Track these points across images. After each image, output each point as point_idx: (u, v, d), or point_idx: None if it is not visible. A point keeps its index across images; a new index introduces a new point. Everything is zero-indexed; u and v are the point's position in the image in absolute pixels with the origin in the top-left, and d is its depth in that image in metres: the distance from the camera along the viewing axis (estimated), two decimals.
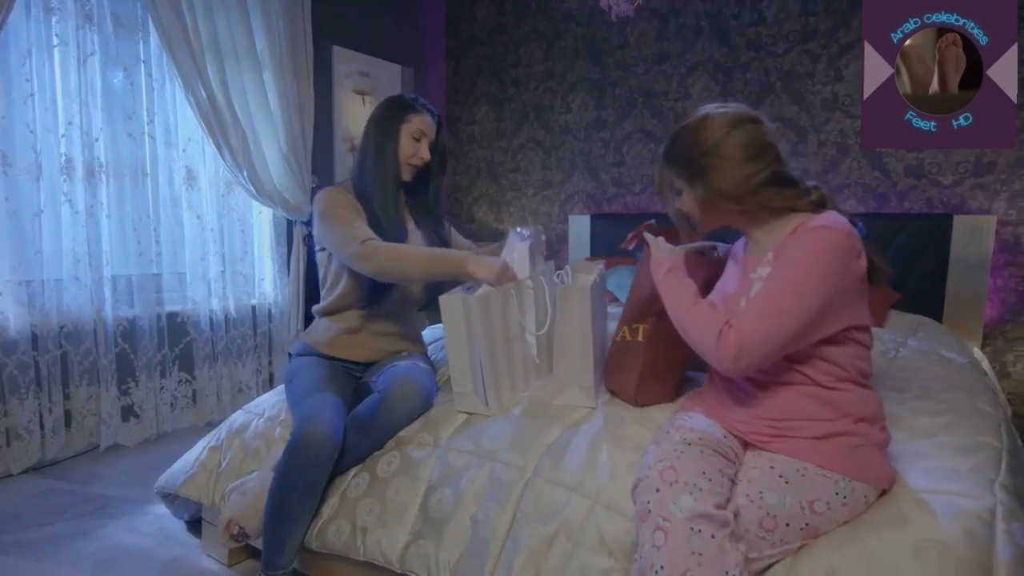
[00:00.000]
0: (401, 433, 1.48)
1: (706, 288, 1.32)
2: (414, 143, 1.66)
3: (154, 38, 2.54)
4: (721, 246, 1.43)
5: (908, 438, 1.25)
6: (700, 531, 0.91)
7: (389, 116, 1.67)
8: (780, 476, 1.03)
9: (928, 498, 1.03)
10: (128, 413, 2.55)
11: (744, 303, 1.13)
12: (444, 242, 1.80)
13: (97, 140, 2.39)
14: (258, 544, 1.54)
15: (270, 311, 3.06)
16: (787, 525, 0.99)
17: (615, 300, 2.75)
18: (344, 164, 3.41)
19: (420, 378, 1.54)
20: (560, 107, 3.60)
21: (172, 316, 2.70)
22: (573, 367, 1.41)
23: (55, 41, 2.29)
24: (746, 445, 1.15)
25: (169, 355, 2.69)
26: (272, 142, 2.89)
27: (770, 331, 1.02)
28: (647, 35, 3.29)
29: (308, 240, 3.12)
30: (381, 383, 1.54)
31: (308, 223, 3.11)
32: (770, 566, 1.00)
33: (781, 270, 1.07)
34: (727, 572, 0.89)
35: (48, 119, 2.28)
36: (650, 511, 0.96)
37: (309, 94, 3.05)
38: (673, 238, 1.36)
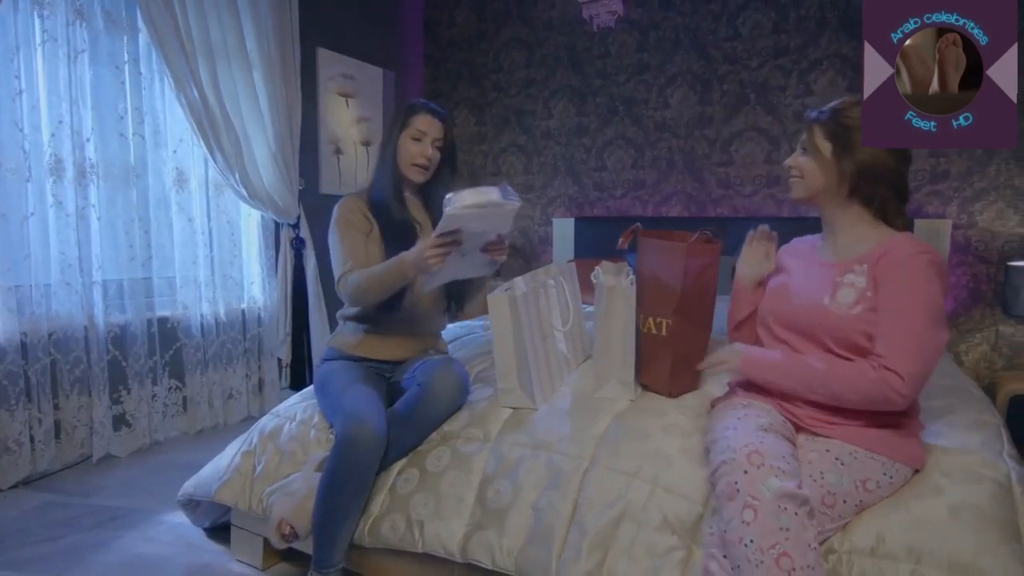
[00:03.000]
0: (447, 428, 1.53)
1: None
2: (415, 143, 1.68)
3: (143, 36, 2.47)
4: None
5: (922, 419, 1.39)
6: (786, 509, 1.01)
7: (392, 124, 1.73)
8: (836, 458, 1.14)
9: (953, 469, 1.17)
10: (120, 422, 2.46)
11: (828, 301, 1.21)
12: None
13: (88, 140, 2.31)
14: (301, 546, 1.55)
15: (259, 315, 3.01)
16: (844, 502, 1.11)
17: None
18: (329, 166, 3.39)
19: (457, 370, 1.59)
20: (542, 113, 3.69)
21: (163, 321, 2.63)
22: (615, 362, 1.49)
23: (44, 37, 2.20)
24: (797, 428, 1.25)
25: (160, 362, 2.62)
26: (262, 144, 2.85)
27: (922, 357, 1.11)
28: (628, 46, 3.43)
29: (296, 243, 3.09)
30: (419, 376, 1.58)
31: (295, 226, 3.08)
32: (827, 539, 1.11)
33: (902, 299, 1.14)
34: (809, 544, 1.00)
35: (37, 118, 2.19)
36: (739, 490, 1.04)
37: (296, 96, 3.02)
38: (666, 239, 1.47)
